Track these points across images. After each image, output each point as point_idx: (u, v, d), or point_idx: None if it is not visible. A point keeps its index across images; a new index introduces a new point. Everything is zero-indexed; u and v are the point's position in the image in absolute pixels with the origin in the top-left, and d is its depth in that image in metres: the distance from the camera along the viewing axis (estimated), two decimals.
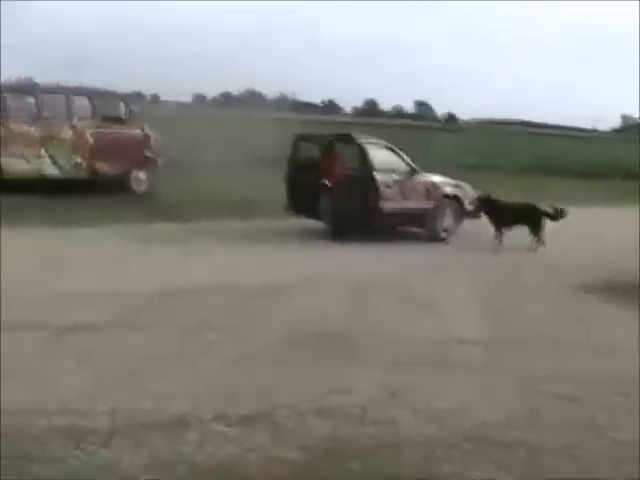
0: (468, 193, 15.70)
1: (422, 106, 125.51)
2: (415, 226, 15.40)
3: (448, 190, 15.51)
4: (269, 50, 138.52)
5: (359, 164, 14.74)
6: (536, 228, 14.59)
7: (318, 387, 6.58)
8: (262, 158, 25.47)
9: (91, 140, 18.14)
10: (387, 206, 14.58)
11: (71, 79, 18.74)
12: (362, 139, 15.01)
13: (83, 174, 18.12)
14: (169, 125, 23.66)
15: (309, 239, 14.29)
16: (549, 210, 14.78)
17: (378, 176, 14.49)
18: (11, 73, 18.79)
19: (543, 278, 12.06)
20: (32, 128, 17.42)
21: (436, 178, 15.68)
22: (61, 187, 17.07)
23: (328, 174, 14.56)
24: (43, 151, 17.58)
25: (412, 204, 14.98)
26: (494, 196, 14.99)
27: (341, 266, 12.06)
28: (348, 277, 11.16)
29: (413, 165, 15.21)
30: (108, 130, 18.41)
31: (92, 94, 18.65)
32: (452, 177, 16.41)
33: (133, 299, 9.27)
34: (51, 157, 17.68)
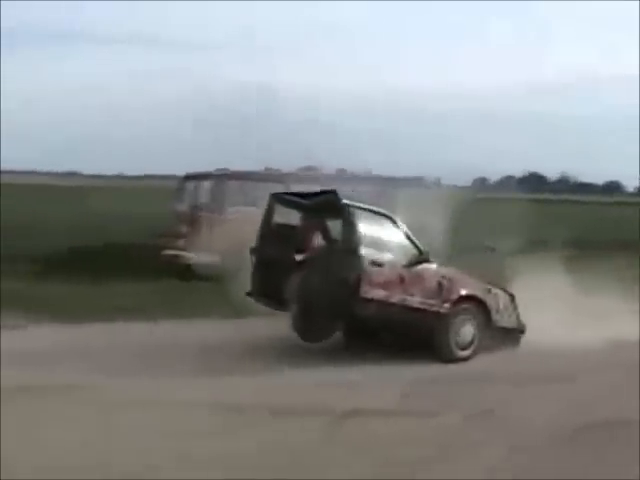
0: (500, 301, 11.46)
1: None
2: (415, 334, 10.89)
3: (473, 291, 11.18)
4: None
5: (343, 235, 10.95)
6: None
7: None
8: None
9: None
10: (375, 294, 10.35)
11: None
12: (352, 202, 10.71)
13: None
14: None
15: None
16: None
17: (365, 252, 10.40)
18: None
19: None
20: None
21: (456, 273, 11.28)
22: None
23: (302, 246, 11.20)
24: None
25: (415, 300, 10.64)
26: None
27: None
28: None
29: (424, 248, 10.95)
30: None
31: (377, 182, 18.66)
32: None
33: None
34: None
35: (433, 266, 10.90)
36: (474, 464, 6.85)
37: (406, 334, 10.87)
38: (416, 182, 18.12)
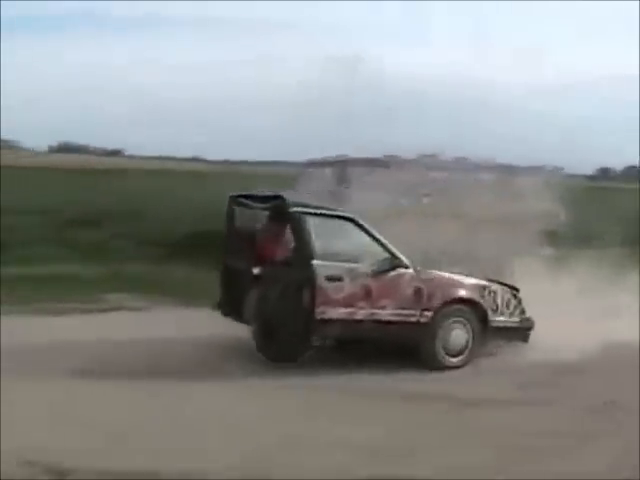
0: (498, 299, 10.14)
1: None
2: (391, 348, 9.78)
3: (463, 293, 9.93)
4: None
5: (296, 244, 9.63)
6: None
7: None
8: None
9: None
10: (334, 314, 9.15)
11: None
12: (304, 207, 9.46)
13: None
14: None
15: None
16: None
17: (321, 264, 9.11)
18: None
19: None
20: None
21: (443, 275, 9.92)
22: None
23: (260, 257, 9.95)
24: None
25: (386, 313, 9.40)
26: None
27: None
28: None
29: (396, 253, 9.53)
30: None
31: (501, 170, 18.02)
32: None
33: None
34: None
35: (409, 271, 9.56)
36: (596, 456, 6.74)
37: (381, 348, 9.75)
38: (537, 171, 17.46)
